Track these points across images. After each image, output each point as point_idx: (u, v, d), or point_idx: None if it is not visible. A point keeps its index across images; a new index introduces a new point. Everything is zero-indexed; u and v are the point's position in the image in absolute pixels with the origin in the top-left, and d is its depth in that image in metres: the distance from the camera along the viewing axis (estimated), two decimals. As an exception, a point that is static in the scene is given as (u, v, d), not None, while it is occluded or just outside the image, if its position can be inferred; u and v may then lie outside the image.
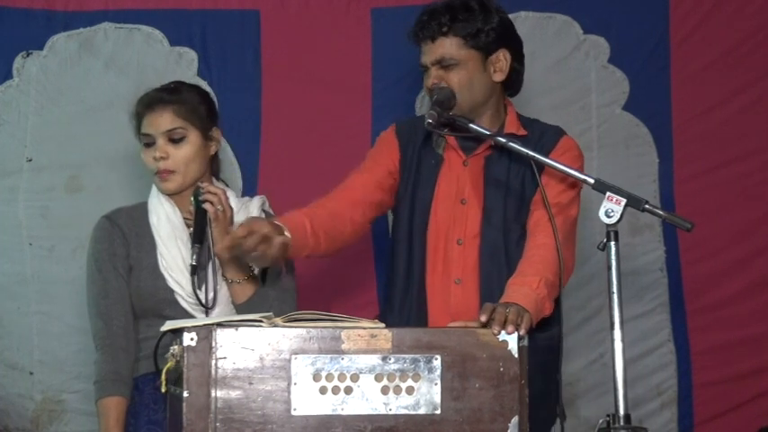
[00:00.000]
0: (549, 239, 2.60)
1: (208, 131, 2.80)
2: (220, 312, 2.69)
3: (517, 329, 2.22)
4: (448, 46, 2.76)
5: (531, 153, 2.61)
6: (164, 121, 2.73)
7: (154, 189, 2.83)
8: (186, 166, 2.75)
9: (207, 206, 2.68)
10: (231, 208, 2.73)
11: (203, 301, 2.67)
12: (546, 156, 2.68)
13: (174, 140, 2.73)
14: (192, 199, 2.71)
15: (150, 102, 2.76)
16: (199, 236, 2.69)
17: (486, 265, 2.75)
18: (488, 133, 2.70)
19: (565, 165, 2.61)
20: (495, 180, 2.79)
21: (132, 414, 2.68)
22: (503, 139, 2.65)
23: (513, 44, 2.83)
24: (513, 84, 2.86)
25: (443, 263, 2.79)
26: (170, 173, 2.74)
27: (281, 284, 2.78)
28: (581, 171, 2.72)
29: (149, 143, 2.75)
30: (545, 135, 2.82)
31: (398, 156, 2.88)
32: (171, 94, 2.77)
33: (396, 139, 2.91)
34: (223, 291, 2.73)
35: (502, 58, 2.79)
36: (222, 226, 2.69)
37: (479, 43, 2.76)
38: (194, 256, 2.67)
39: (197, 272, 2.68)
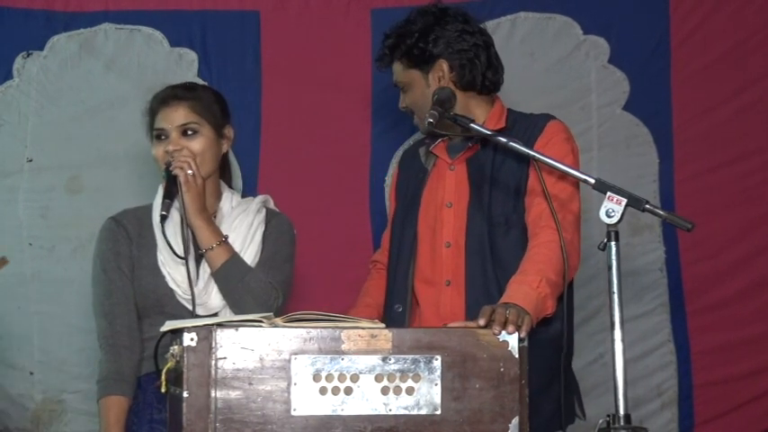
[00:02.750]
0: (553, 236, 2.58)
1: (221, 129, 2.80)
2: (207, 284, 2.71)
3: (518, 330, 2.22)
4: (396, 72, 2.88)
5: (529, 152, 2.57)
6: (178, 115, 2.72)
7: (160, 189, 2.81)
8: (198, 158, 2.72)
9: (177, 171, 2.66)
10: (201, 176, 2.70)
11: (180, 254, 2.66)
12: (533, 142, 2.69)
13: (188, 134, 2.73)
14: (164, 171, 2.69)
15: (165, 97, 2.76)
16: (169, 193, 2.67)
17: (472, 262, 2.75)
18: (489, 132, 2.68)
19: (557, 160, 2.56)
20: (481, 176, 2.79)
21: (135, 413, 2.68)
22: (503, 139, 2.63)
23: (456, 52, 2.79)
24: (473, 85, 2.82)
25: (432, 267, 2.80)
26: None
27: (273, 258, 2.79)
28: (575, 159, 2.74)
29: (162, 137, 2.74)
30: (532, 124, 2.79)
31: (395, 190, 3.01)
32: (186, 91, 2.78)
33: (396, 174, 3.08)
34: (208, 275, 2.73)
35: (439, 70, 2.80)
36: (194, 191, 2.67)
37: (415, 62, 2.82)
38: (163, 209, 2.66)
39: (165, 220, 2.67)
